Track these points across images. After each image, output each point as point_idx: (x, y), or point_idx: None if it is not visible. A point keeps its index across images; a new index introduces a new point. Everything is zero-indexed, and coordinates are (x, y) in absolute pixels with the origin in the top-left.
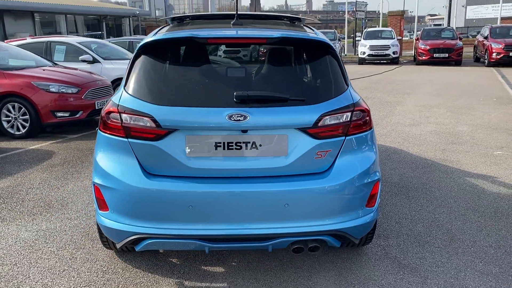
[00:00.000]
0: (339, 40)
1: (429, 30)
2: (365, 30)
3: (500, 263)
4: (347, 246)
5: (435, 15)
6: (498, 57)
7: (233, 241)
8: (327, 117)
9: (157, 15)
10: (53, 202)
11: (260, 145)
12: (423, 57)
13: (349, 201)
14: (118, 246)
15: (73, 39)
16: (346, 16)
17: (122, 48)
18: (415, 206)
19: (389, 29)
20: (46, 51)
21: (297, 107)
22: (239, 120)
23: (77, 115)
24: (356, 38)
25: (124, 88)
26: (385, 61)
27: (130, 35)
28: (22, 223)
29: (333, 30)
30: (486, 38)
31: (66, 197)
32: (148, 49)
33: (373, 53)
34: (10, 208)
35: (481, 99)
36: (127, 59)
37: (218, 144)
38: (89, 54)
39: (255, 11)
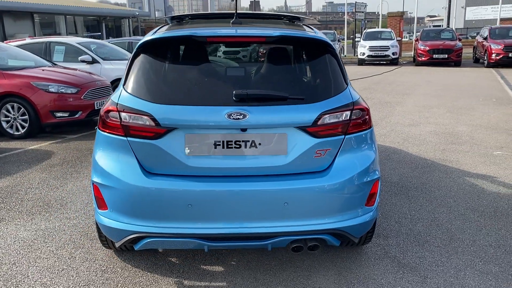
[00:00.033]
0: (338, 41)
1: (428, 31)
2: (364, 31)
3: (500, 262)
4: (347, 245)
5: (435, 16)
6: (497, 58)
7: (232, 239)
8: (327, 115)
9: (156, 16)
10: (52, 202)
11: (260, 144)
12: (423, 58)
13: (349, 200)
14: (117, 245)
15: (73, 40)
16: (346, 17)
17: (121, 48)
18: (414, 205)
19: (389, 30)
20: (45, 52)
21: (296, 106)
22: (239, 118)
23: (77, 115)
24: (356, 39)
25: (123, 87)
26: (384, 62)
27: (130, 36)
28: (21, 222)
29: (332, 31)
30: (485, 39)
31: (65, 196)
32: (147, 48)
33: (373, 54)
34: (9, 207)
35: (481, 100)
36: (126, 59)
37: (217, 143)
38: (89, 54)
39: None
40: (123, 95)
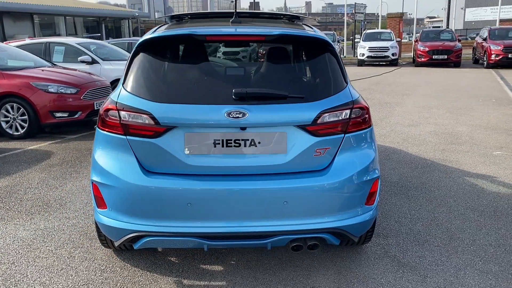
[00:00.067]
0: (338, 42)
1: (428, 32)
2: (364, 31)
3: (499, 262)
4: (347, 244)
5: (434, 17)
6: (497, 58)
7: (232, 238)
8: (326, 114)
9: (156, 17)
10: (51, 202)
11: (259, 143)
12: (422, 59)
13: (348, 198)
14: (116, 244)
15: (72, 40)
16: (345, 18)
17: (121, 49)
18: (414, 205)
19: (388, 31)
20: (45, 52)
21: (296, 105)
22: (238, 117)
23: (76, 116)
24: (356, 40)
25: (122, 85)
26: (384, 63)
27: (130, 37)
28: (20, 222)
29: (332, 32)
30: (485, 39)
31: (64, 196)
32: (147, 47)
33: (372, 55)
34: (8, 207)
35: (480, 100)
36: (126, 60)
37: (217, 142)
38: (88, 55)
39: None
40: (122, 94)
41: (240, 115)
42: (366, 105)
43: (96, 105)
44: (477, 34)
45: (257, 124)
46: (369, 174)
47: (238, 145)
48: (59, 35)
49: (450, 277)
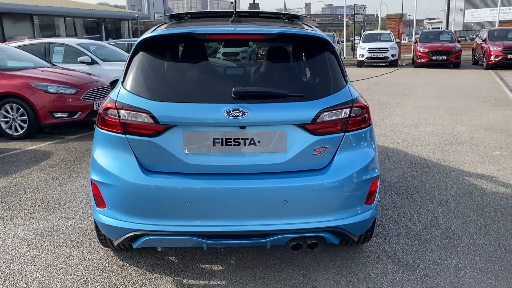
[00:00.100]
0: (337, 43)
1: (427, 33)
2: (363, 32)
3: (499, 261)
4: (346, 244)
5: (434, 18)
6: (496, 59)
7: (231, 237)
8: (326, 113)
9: (156, 18)
10: (50, 202)
11: (259, 141)
12: (422, 60)
13: (348, 197)
14: (115, 243)
15: (72, 41)
16: (345, 19)
17: (120, 49)
18: (414, 205)
19: (388, 31)
20: (44, 53)
21: (295, 103)
22: (237, 116)
23: (76, 116)
24: (355, 41)
25: (122, 84)
26: (383, 64)
27: (129, 38)
28: (19, 222)
29: (332, 33)
30: (484, 41)
31: (63, 196)
32: (147, 45)
33: (372, 56)
34: (7, 207)
35: (480, 101)
36: (125, 60)
37: (216, 140)
38: (88, 55)
39: None
40: (121, 93)
41: (240, 114)
42: (366, 104)
43: (96, 105)
44: (477, 35)
45: (257, 123)
46: (368, 173)
47: (237, 144)
48: (58, 36)
49: (450, 276)
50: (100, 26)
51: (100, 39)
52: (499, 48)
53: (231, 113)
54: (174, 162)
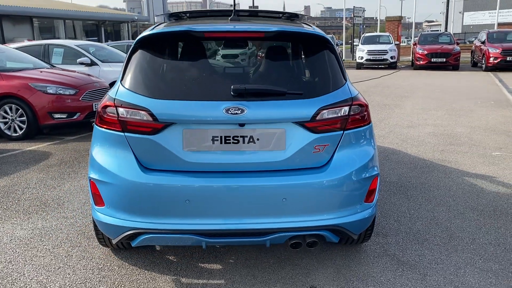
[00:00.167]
0: (337, 45)
1: (426, 35)
2: (363, 35)
3: (499, 260)
4: (346, 242)
5: (433, 21)
6: (495, 61)
7: (230, 236)
8: (325, 111)
9: (156, 21)
10: (49, 201)
11: (258, 139)
12: (421, 62)
13: (348, 196)
14: (114, 242)
15: (71, 42)
16: (344, 22)
17: (120, 51)
18: (413, 204)
19: (387, 34)
20: (44, 54)
21: (294, 101)
22: (237, 113)
23: (75, 117)
24: (354, 43)
25: (120, 82)
26: (382, 66)
27: (129, 40)
28: (18, 221)
29: (331, 36)
30: (483, 43)
31: (62, 196)
32: (145, 43)
33: (371, 58)
34: (5, 207)
35: (479, 102)
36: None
37: (215, 138)
38: (87, 56)
39: None
40: (120, 91)
41: (239, 112)
42: (365, 102)
43: (95, 106)
44: (476, 38)
45: (256, 120)
46: (368, 171)
47: (236, 141)
48: (58, 38)
49: (450, 276)
50: (100, 28)
51: (99, 41)
52: (498, 50)
53: (230, 111)
54: (173, 160)
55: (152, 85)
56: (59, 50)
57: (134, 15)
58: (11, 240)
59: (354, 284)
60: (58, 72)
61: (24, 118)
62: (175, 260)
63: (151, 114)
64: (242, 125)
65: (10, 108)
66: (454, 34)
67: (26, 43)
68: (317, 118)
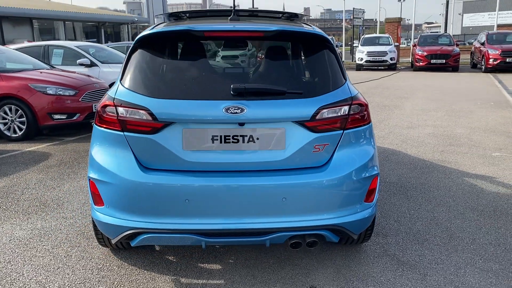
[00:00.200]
0: (336, 46)
1: (426, 36)
2: (362, 36)
3: (500, 260)
4: (346, 242)
5: (432, 23)
6: (495, 63)
7: (230, 235)
8: (325, 110)
9: (155, 21)
10: (48, 202)
11: (258, 139)
12: (420, 63)
13: (347, 195)
14: (113, 241)
15: (71, 43)
16: (344, 24)
17: (120, 52)
18: (413, 205)
19: (387, 35)
20: (43, 55)
21: (294, 100)
22: (236, 113)
23: (74, 118)
24: (354, 45)
25: (120, 81)
26: (382, 67)
27: (128, 41)
28: (17, 222)
29: (331, 37)
30: (483, 44)
31: (62, 196)
32: (145, 43)
33: (371, 59)
34: (5, 207)
35: (479, 103)
36: None
37: (215, 137)
38: (87, 57)
39: None
40: (120, 90)
41: (239, 111)
42: (365, 102)
43: (95, 107)
44: (475, 39)
45: (256, 120)
46: (368, 171)
47: (236, 141)
48: (58, 40)
49: (450, 275)
50: (100, 30)
51: (98, 43)
52: (497, 52)
53: (230, 110)
54: (173, 160)
55: (152, 85)
56: (59, 51)
57: (134, 17)
58: (10, 240)
59: (354, 284)
60: (57, 73)
61: (24, 119)
62: (174, 260)
63: (151, 114)
64: (242, 124)
65: (10, 109)
66: (453, 35)
67: (26, 44)
68: (317, 117)
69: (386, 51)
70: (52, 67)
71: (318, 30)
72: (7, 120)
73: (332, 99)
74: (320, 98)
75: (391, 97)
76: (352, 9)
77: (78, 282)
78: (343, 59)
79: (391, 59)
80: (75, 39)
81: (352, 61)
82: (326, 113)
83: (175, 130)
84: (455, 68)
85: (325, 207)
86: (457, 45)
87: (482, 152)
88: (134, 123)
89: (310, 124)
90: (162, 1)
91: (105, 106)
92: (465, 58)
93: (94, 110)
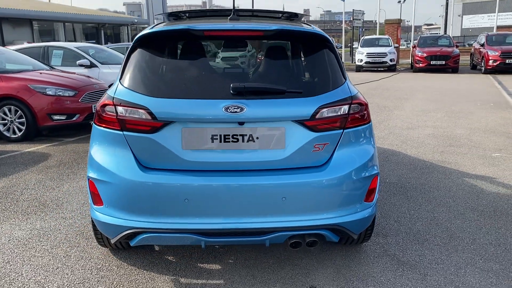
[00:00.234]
0: (336, 48)
1: (426, 37)
2: (362, 38)
3: (500, 260)
4: (346, 242)
5: (432, 24)
6: (494, 64)
7: (229, 235)
8: (325, 109)
9: (155, 21)
10: (48, 202)
11: (257, 138)
12: (420, 65)
13: (347, 195)
14: (112, 241)
15: (71, 44)
16: (344, 25)
17: (120, 53)
18: (413, 205)
19: (386, 36)
20: (43, 56)
21: (294, 99)
22: (236, 112)
23: (74, 118)
24: (354, 47)
25: (119, 81)
26: (382, 69)
27: (128, 42)
28: (16, 222)
29: (330, 38)
30: (482, 45)
31: (61, 197)
32: (145, 42)
33: (370, 61)
34: (4, 208)
35: (478, 104)
36: None
37: (214, 137)
38: (87, 58)
39: None
40: (119, 89)
41: (238, 110)
42: (365, 101)
43: (94, 107)
44: (475, 41)
45: (255, 119)
46: (368, 171)
47: (236, 140)
48: (58, 41)
49: (451, 275)
50: (99, 31)
51: (98, 44)
52: (497, 53)
53: (230, 109)
54: (172, 159)
55: (151, 84)
56: (59, 52)
57: (134, 18)
58: (9, 240)
59: (354, 284)
60: (57, 73)
61: (23, 119)
62: (174, 260)
63: (150, 113)
64: (241, 123)
65: (9, 110)
66: (453, 37)
67: (26, 45)
68: (317, 116)
69: (385, 53)
70: (52, 68)
71: (317, 30)
72: (6, 121)
73: (332, 98)
74: (320, 97)
75: (391, 98)
76: (351, 11)
77: (77, 282)
78: (343, 61)
79: (390, 60)
80: (74, 41)
81: (352, 62)
82: (326, 113)
83: (174, 130)
84: (454, 70)
85: (325, 207)
86: (457, 46)
87: (482, 153)
88: (133, 123)
89: (310, 123)
90: (161, 3)
91: (104, 105)
92: (464, 59)
93: (93, 111)
